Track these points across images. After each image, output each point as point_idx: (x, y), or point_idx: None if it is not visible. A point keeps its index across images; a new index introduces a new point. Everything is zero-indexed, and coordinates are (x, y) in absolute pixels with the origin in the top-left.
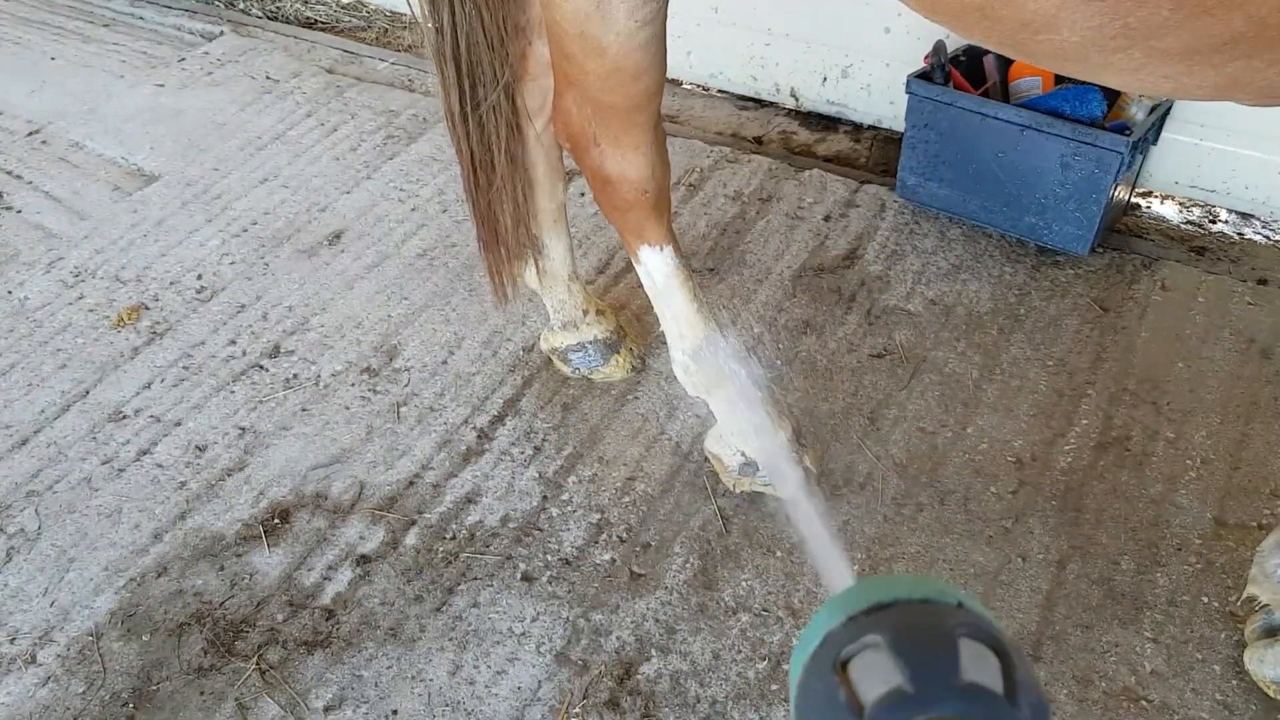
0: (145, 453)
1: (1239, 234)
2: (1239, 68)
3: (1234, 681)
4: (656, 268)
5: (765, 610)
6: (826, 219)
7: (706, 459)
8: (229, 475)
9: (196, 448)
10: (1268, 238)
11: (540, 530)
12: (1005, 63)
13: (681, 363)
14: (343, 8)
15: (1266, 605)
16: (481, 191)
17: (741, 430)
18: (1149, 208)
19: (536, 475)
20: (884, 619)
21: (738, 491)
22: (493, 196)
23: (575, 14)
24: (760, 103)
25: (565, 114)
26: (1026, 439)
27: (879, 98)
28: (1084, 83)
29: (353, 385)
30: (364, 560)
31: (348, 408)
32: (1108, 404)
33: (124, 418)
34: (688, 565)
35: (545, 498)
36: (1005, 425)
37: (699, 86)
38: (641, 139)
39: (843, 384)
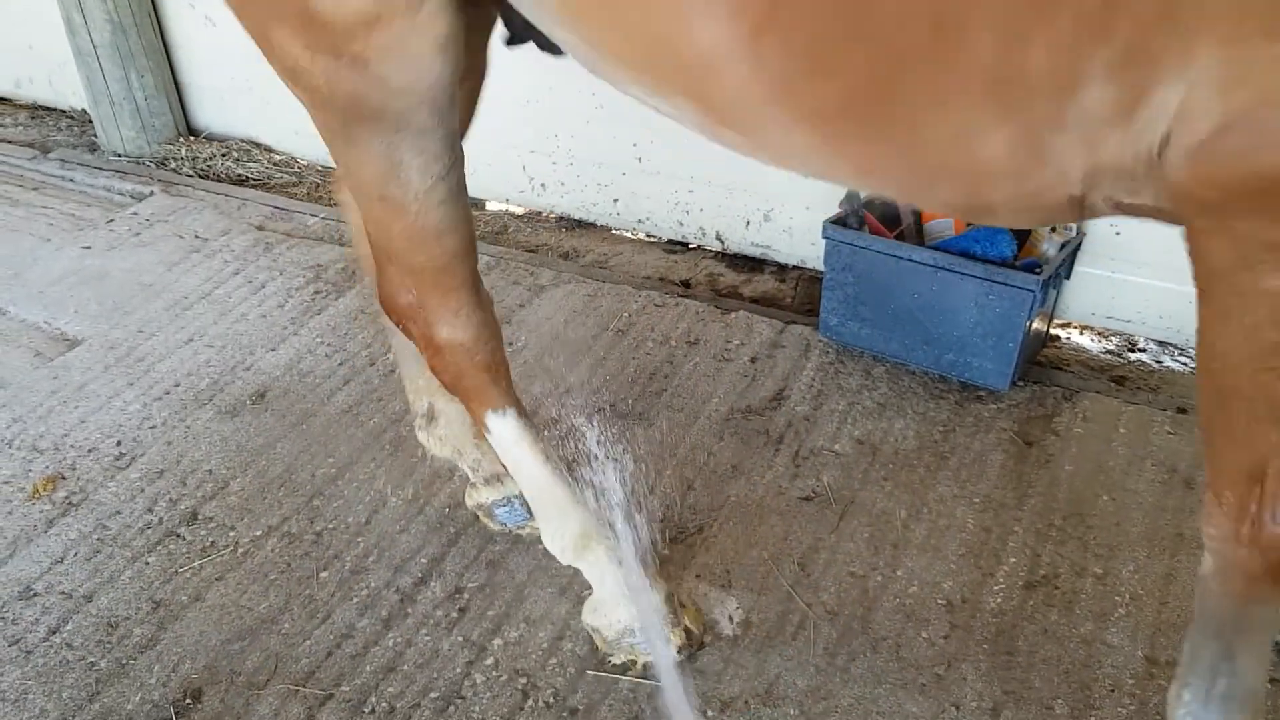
0: (54, 632)
1: (1158, 362)
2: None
3: None
4: (504, 433)
5: None
6: (753, 360)
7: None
8: (141, 653)
9: (108, 624)
10: (1185, 364)
11: (463, 699)
12: None
13: (544, 529)
14: (274, 164)
15: None
16: None
17: (614, 597)
18: (1069, 338)
19: (461, 640)
20: None
21: (620, 662)
22: None
23: (375, 178)
24: (687, 246)
25: (390, 290)
26: (956, 580)
27: (800, 239)
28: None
29: (272, 551)
30: None
31: (266, 575)
32: (1035, 541)
33: (34, 595)
34: None
35: (470, 663)
36: (935, 566)
37: (628, 232)
38: (463, 301)
39: (773, 529)
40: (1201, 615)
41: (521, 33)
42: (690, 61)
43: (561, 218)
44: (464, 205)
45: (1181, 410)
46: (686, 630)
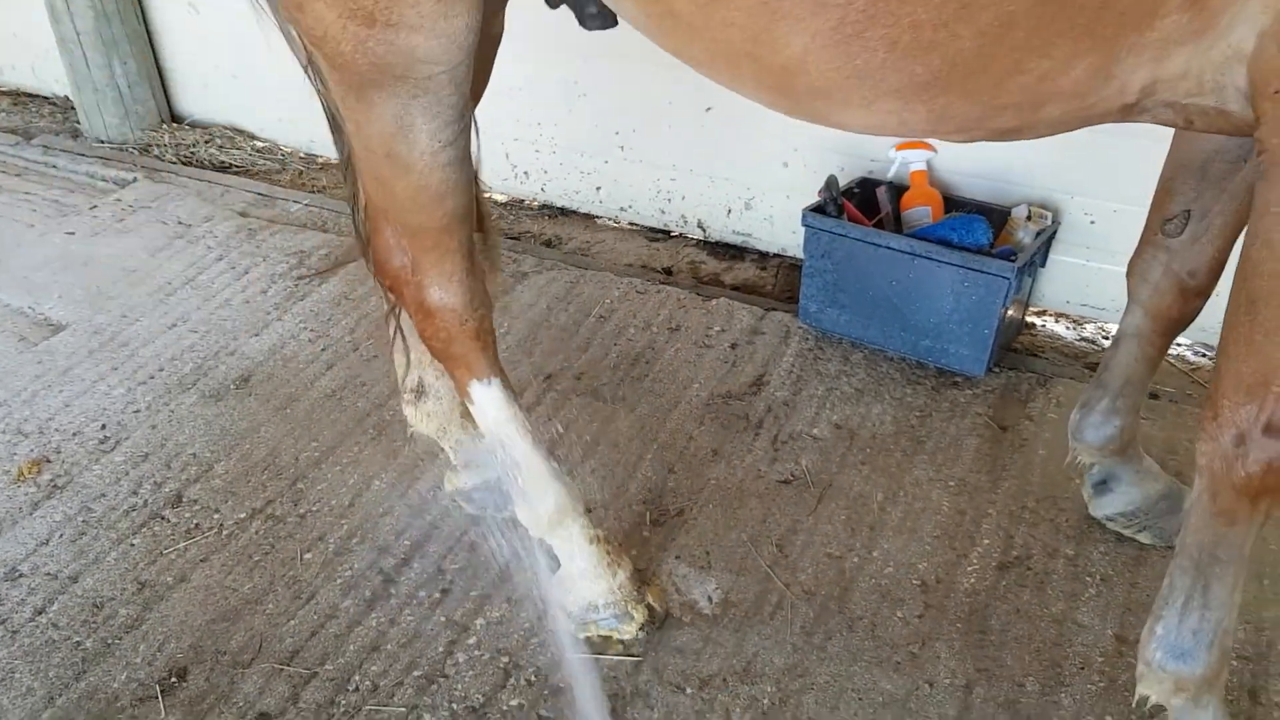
0: (41, 612)
1: None
2: (943, 103)
3: None
4: (488, 403)
5: None
6: (734, 346)
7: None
8: (126, 633)
9: (94, 605)
10: None
11: (446, 677)
12: (896, 194)
13: (520, 501)
14: (257, 151)
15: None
16: None
17: (581, 574)
18: (1043, 325)
19: (444, 620)
20: None
21: (583, 638)
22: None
23: (383, 135)
24: (669, 234)
25: (383, 249)
26: (931, 561)
27: (781, 227)
28: (970, 212)
29: (256, 533)
30: (263, 718)
31: (250, 556)
32: (1008, 523)
33: (20, 576)
34: None
35: (452, 643)
36: (910, 548)
37: (610, 220)
38: (457, 266)
39: (752, 511)
40: (1181, 546)
41: None
42: (777, 68)
43: (544, 205)
44: (468, 171)
45: (1154, 396)
46: (649, 608)
